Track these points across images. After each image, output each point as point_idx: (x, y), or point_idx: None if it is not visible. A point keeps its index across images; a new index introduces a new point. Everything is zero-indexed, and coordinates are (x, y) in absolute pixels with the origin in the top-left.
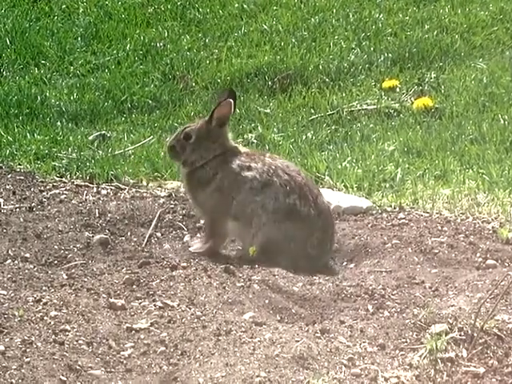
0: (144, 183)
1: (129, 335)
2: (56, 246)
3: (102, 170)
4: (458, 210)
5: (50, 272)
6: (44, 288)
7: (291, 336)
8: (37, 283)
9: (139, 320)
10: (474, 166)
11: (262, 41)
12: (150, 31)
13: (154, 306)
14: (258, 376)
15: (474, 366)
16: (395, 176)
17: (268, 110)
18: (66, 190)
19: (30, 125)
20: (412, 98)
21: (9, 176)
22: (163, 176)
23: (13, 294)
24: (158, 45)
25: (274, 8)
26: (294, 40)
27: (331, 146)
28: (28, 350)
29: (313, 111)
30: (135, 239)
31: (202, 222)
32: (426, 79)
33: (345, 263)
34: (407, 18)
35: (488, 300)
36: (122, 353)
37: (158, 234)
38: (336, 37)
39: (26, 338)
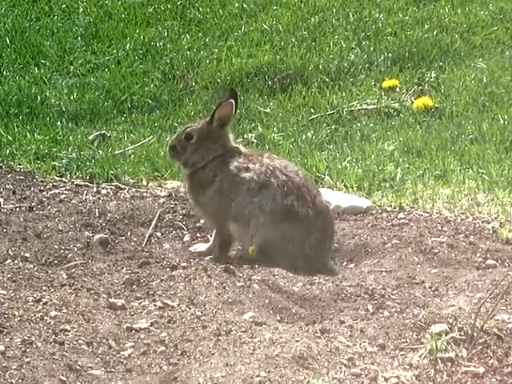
0: (144, 183)
1: (129, 335)
2: (56, 246)
3: (101, 169)
4: (458, 209)
5: (49, 272)
6: (44, 288)
7: (291, 336)
8: (37, 283)
9: (139, 320)
10: (474, 166)
11: (262, 40)
12: (149, 31)
13: (154, 305)
14: (257, 376)
15: (474, 366)
16: (395, 176)
17: (268, 110)
18: (65, 189)
19: (29, 124)
20: (412, 98)
21: (9, 176)
22: (163, 176)
23: (13, 294)
24: (157, 44)
25: (274, 8)
26: (293, 40)
27: (331, 146)
28: (28, 349)
29: (313, 111)
30: (135, 239)
31: (202, 221)
32: (426, 79)
33: (345, 263)
34: (407, 17)
35: (488, 300)
36: (121, 353)
37: (158, 234)
38: (336, 36)
39: (25, 337)
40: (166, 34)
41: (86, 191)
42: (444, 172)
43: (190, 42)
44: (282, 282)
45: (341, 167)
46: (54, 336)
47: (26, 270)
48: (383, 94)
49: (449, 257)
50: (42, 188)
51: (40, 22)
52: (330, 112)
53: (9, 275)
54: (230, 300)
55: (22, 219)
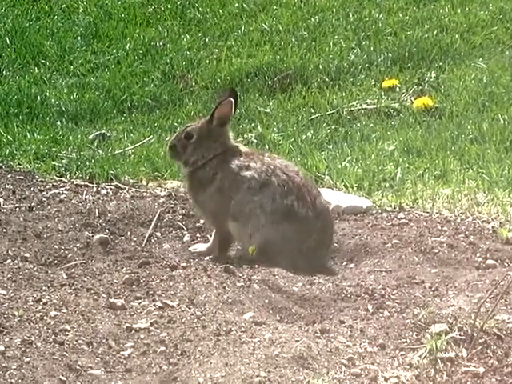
0: (144, 183)
1: (129, 335)
2: (56, 246)
3: (101, 169)
4: (457, 209)
5: (49, 272)
6: (44, 288)
7: (291, 336)
8: (37, 283)
9: (139, 320)
10: (474, 166)
11: (261, 40)
12: (149, 31)
13: (154, 305)
14: (257, 376)
15: (474, 366)
16: (395, 176)
17: (268, 110)
18: (65, 189)
19: (29, 124)
20: (412, 98)
21: (9, 176)
22: (163, 176)
23: (13, 294)
24: (157, 44)
25: (274, 8)
26: (293, 40)
27: (331, 146)
28: (28, 350)
29: (313, 111)
30: (135, 239)
31: (201, 221)
32: (426, 79)
33: (345, 263)
34: (407, 17)
35: (488, 300)
36: (121, 353)
37: (158, 234)
38: (336, 36)
39: (25, 338)
40: (165, 33)
41: (85, 191)
42: (444, 172)
43: (189, 41)
44: (281, 282)
45: (341, 167)
46: (53, 336)
47: (26, 270)
48: (383, 93)
49: (449, 257)
50: (42, 188)
51: (40, 22)
52: (329, 112)
53: (9, 275)
54: (229, 300)
55: (21, 219)
